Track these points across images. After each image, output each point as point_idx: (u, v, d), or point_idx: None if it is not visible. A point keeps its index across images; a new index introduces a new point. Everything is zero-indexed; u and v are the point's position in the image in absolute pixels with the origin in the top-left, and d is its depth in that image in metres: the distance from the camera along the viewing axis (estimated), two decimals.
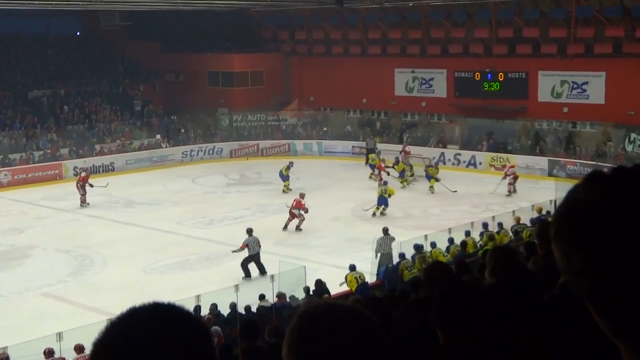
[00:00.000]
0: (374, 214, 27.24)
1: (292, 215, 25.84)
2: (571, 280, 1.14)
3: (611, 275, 1.09)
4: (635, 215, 1.07)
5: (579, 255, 1.11)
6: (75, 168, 35.48)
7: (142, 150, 39.35)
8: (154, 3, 33.48)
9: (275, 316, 15.42)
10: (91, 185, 30.18)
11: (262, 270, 20.68)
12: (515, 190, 30.17)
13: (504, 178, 30.46)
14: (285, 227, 25.84)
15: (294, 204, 25.86)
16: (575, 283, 1.14)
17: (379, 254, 19.92)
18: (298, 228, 25.78)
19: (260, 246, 21.07)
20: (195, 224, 27.23)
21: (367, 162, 36.09)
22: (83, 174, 30.88)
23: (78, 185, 30.27)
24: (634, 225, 1.07)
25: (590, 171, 1.17)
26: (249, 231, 21.33)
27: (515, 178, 30.46)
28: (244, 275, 20.59)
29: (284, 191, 31.14)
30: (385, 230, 20.69)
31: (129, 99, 43.67)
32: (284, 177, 31.78)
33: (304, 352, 1.49)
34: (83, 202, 30.03)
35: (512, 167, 31.72)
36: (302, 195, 26.17)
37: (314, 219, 26.88)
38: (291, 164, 32.43)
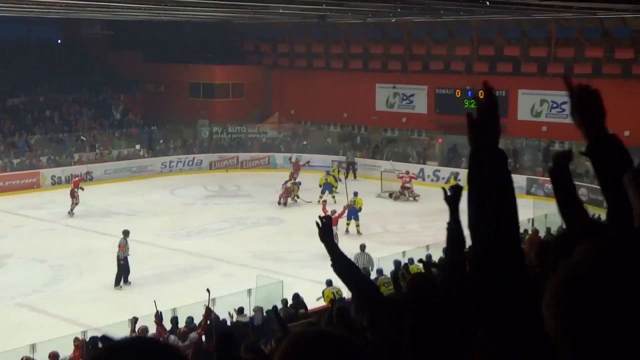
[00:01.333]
0: (347, 231, 26.90)
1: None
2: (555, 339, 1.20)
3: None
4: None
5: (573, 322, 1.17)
6: (53, 177, 35.25)
7: (121, 160, 39.15)
8: (136, 13, 33.36)
9: (252, 331, 15.35)
10: (82, 189, 30.07)
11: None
12: (412, 196, 32.19)
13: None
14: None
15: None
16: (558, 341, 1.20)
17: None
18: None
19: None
20: (173, 236, 27.11)
21: (347, 176, 36.15)
22: (76, 178, 30.72)
23: (72, 190, 30.19)
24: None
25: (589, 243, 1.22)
26: (126, 233, 22.13)
27: (405, 188, 32.24)
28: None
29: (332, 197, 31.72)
30: (362, 247, 20.80)
31: (108, 108, 43.48)
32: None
33: None
34: (71, 211, 29.82)
35: (408, 175, 33.13)
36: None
37: (291, 232, 26.86)
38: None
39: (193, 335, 15.20)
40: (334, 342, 1.56)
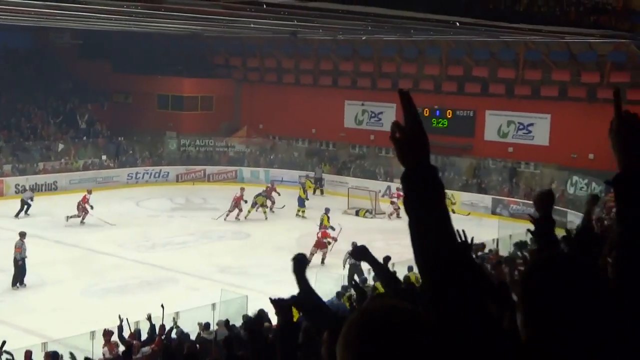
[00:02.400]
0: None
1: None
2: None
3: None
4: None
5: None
6: (17, 185, 34.87)
7: (86, 170, 38.82)
8: (106, 23, 33.17)
9: (215, 345, 15.24)
10: (91, 207, 30.14)
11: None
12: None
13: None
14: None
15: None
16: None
17: (347, 265, 21.52)
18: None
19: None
20: (138, 248, 26.91)
21: (314, 192, 36.32)
22: (88, 195, 30.79)
23: (79, 206, 30.30)
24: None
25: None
26: (22, 235, 22.66)
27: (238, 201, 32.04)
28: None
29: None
30: (354, 244, 20.82)
31: (75, 117, 43.09)
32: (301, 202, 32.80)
33: (362, 349, 1.55)
34: (82, 219, 30.28)
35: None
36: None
37: (257, 247, 26.80)
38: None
39: (146, 349, 15.03)
40: (406, 314, 1.61)
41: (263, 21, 27.62)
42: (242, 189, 32.83)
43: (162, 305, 15.57)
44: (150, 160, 41.43)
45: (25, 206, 31.44)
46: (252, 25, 30.60)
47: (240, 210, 31.83)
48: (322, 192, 38.04)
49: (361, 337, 1.57)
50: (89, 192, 31.11)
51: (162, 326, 15.70)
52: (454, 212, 30.48)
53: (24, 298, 21.29)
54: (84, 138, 41.55)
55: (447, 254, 1.98)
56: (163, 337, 15.38)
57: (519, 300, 1.83)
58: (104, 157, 40.33)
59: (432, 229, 2.00)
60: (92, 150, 41.01)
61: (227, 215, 31.47)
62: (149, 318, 16.05)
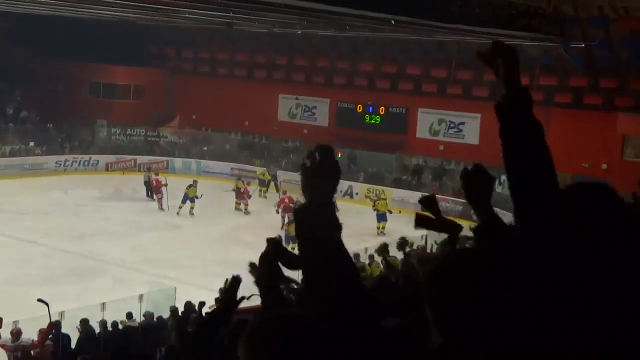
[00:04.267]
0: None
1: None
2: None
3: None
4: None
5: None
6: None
7: (13, 156, 37.98)
8: (34, 6, 32.44)
9: (141, 336, 15.15)
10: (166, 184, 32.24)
11: None
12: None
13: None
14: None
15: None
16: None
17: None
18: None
19: None
20: (65, 237, 26.45)
21: (267, 190, 36.04)
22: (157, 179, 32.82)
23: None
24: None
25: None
26: None
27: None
28: None
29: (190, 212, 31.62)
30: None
31: (2, 103, 42.07)
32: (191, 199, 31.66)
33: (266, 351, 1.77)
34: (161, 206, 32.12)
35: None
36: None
37: (187, 239, 26.65)
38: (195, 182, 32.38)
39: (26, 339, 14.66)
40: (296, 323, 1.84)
41: (198, 11, 27.41)
42: (248, 183, 33.68)
43: (42, 301, 14.47)
44: (80, 148, 40.74)
45: None
46: (187, 15, 30.33)
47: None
48: (277, 190, 37.55)
49: (264, 341, 1.79)
50: (156, 173, 33.66)
51: (51, 324, 14.76)
52: (378, 210, 30.83)
53: None
54: (11, 125, 40.63)
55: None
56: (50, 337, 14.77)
57: (427, 302, 1.91)
58: (31, 144, 39.51)
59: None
60: (19, 136, 40.13)
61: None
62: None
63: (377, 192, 34.24)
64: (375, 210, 30.69)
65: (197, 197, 31.43)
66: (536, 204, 2.20)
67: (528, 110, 2.48)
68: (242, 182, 33.45)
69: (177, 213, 31.13)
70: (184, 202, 31.44)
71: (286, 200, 29.70)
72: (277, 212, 29.61)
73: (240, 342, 1.81)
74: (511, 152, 2.48)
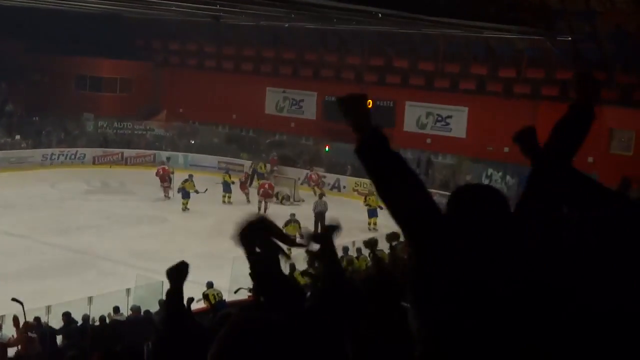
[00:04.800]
0: None
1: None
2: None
3: None
4: None
5: None
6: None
7: None
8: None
9: (129, 330, 15.10)
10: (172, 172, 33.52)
11: None
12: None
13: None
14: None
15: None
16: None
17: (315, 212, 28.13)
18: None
19: None
20: (51, 231, 26.34)
21: (251, 183, 35.92)
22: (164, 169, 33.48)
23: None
24: None
25: None
26: None
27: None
28: None
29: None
30: (321, 196, 30.39)
31: None
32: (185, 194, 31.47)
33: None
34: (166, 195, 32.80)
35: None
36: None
37: (174, 232, 26.58)
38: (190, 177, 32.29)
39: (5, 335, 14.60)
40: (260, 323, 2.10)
41: (185, 4, 27.33)
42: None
43: (17, 300, 14.07)
44: (67, 141, 40.56)
45: None
46: (174, 8, 30.24)
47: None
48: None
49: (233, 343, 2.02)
50: (162, 163, 34.67)
51: (27, 324, 14.57)
52: (369, 206, 30.76)
53: None
54: None
55: None
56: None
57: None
58: (17, 137, 39.30)
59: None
60: (5, 130, 39.91)
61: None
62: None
63: (368, 186, 34.18)
64: (366, 205, 30.52)
65: (197, 192, 31.25)
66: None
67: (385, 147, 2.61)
68: (243, 174, 35.00)
69: (183, 210, 30.90)
70: (184, 197, 31.27)
71: (266, 186, 31.54)
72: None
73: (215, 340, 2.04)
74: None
